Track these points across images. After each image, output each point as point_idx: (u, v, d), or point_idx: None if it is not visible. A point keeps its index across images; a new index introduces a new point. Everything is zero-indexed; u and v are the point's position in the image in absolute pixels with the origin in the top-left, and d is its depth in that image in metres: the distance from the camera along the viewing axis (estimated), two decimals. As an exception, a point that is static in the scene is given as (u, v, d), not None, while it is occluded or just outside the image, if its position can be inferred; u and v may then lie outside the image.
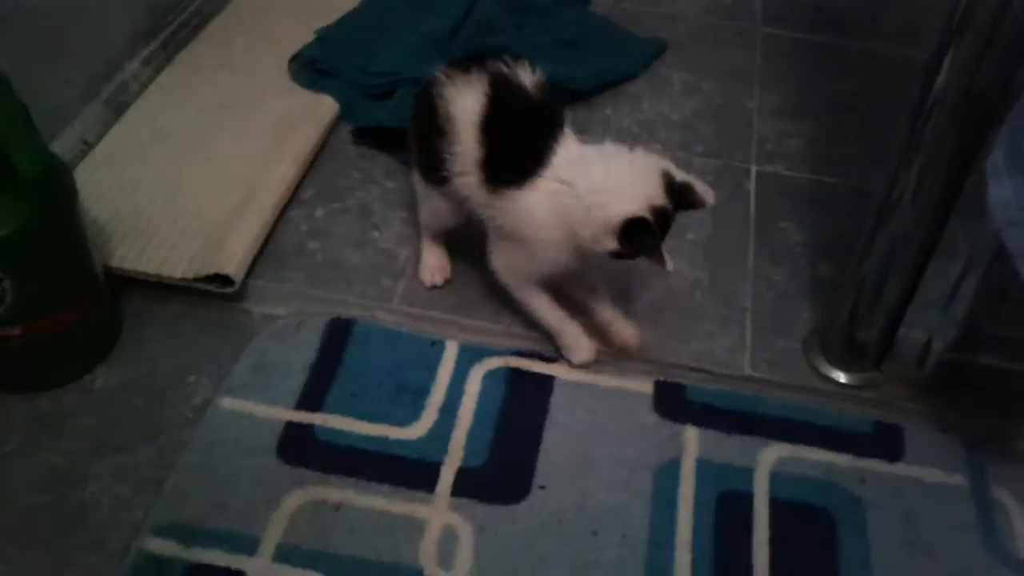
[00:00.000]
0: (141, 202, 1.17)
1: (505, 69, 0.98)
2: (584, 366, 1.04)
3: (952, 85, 0.86)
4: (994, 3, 0.81)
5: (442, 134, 0.98)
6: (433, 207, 1.09)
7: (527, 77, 0.98)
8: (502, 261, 1.03)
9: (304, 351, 1.05)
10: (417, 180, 1.09)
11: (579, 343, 1.04)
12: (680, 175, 0.95)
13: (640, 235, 0.91)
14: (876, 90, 1.52)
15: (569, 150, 0.98)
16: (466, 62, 1.01)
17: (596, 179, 0.93)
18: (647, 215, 0.91)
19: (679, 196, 0.94)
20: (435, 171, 1.01)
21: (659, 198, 0.93)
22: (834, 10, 1.72)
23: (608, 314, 1.06)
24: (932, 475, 0.98)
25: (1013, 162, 0.80)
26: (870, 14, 1.70)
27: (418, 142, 1.06)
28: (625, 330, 1.05)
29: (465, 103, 0.97)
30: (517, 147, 0.97)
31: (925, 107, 0.89)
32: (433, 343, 1.07)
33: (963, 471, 0.98)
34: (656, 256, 0.91)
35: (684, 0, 1.71)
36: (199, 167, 1.23)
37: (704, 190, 0.96)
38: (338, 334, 1.07)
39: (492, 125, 0.97)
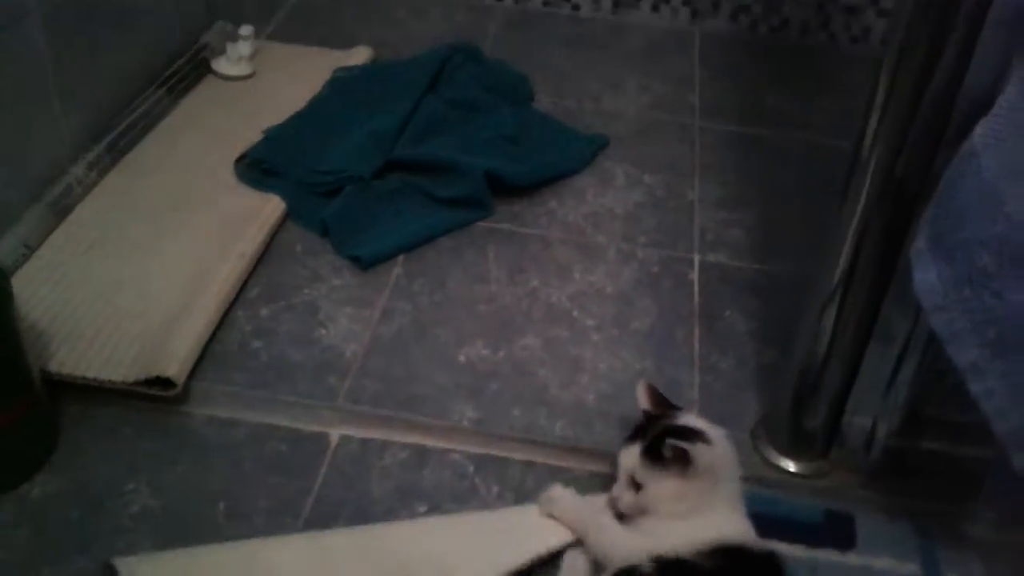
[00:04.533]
0: (82, 305, 1.16)
1: None
2: None
3: (875, 174, 0.90)
4: (909, 94, 0.85)
5: None
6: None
7: None
8: None
9: (248, 453, 1.03)
10: None
11: None
12: None
13: None
14: (812, 179, 1.57)
15: None
16: None
17: None
18: None
19: None
20: None
21: None
22: (769, 104, 1.78)
23: None
24: (884, 563, 0.98)
25: (936, 248, 0.82)
26: (803, 107, 1.77)
27: None
28: None
29: None
30: None
31: (851, 196, 0.92)
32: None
33: (915, 558, 0.99)
34: None
35: (625, 97, 1.76)
36: (142, 269, 1.22)
37: None
38: None
39: None
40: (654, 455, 0.90)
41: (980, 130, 0.80)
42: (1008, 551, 1.00)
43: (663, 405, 0.98)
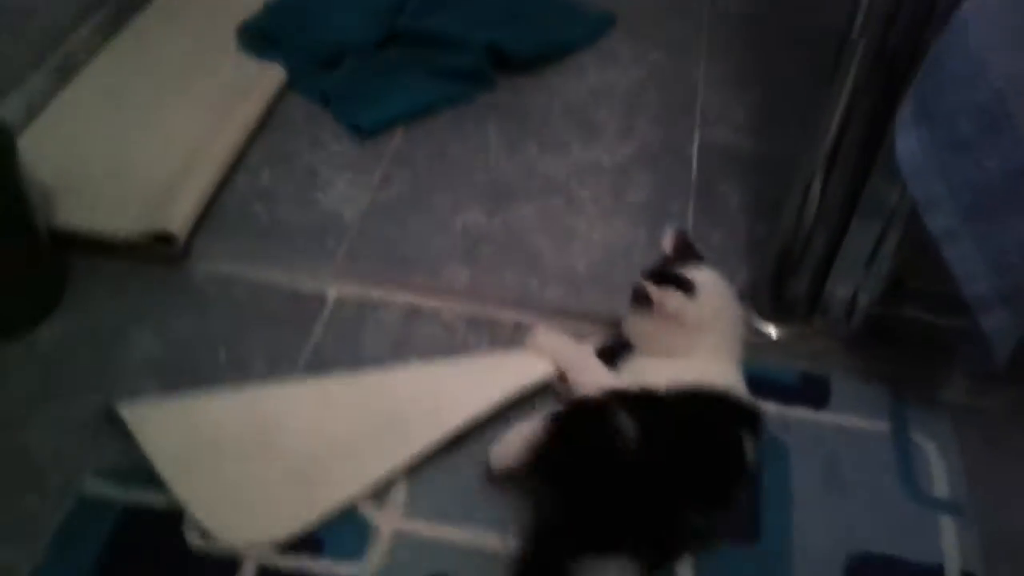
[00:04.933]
0: (87, 164, 1.19)
1: None
2: None
3: (866, 48, 0.90)
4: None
5: None
6: None
7: None
8: None
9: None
10: None
11: None
12: None
13: None
14: (820, 64, 1.54)
15: None
16: None
17: None
18: None
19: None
20: None
21: None
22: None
23: None
24: (855, 421, 1.01)
25: (919, 114, 0.83)
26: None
27: None
28: None
29: None
30: None
31: (841, 69, 0.93)
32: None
33: (885, 418, 1.02)
34: None
35: (634, -23, 1.73)
36: (146, 131, 1.25)
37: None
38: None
39: None
40: (634, 295, 0.94)
41: (969, 2, 0.80)
42: (977, 415, 1.03)
43: (686, 254, 1.00)
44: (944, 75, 0.83)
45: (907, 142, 0.85)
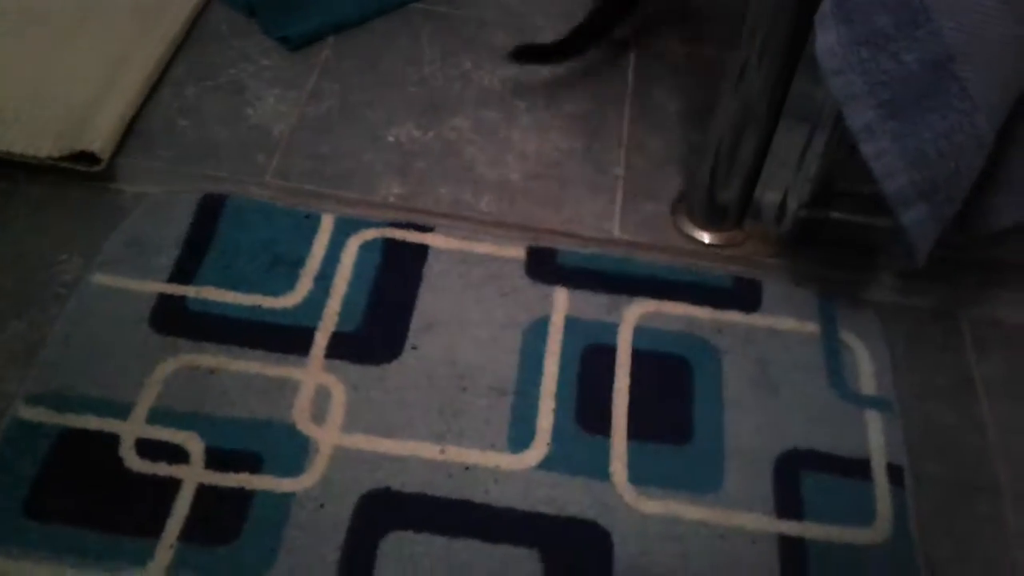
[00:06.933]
0: (6, 85, 1.14)
1: None
2: None
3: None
4: None
5: None
6: None
7: None
8: None
9: (177, 227, 1.05)
10: None
11: None
12: None
13: None
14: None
15: None
16: None
17: None
18: None
19: None
20: None
21: None
22: None
23: None
24: (785, 323, 1.04)
25: (839, 10, 0.83)
26: None
27: None
28: None
29: None
30: None
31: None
32: (308, 216, 1.08)
33: (815, 319, 1.04)
34: None
35: None
36: (67, 49, 1.20)
37: None
38: (211, 209, 1.07)
39: None
40: None
41: None
42: (903, 313, 1.06)
43: None
44: (862, -31, 0.82)
45: (826, 38, 0.85)
